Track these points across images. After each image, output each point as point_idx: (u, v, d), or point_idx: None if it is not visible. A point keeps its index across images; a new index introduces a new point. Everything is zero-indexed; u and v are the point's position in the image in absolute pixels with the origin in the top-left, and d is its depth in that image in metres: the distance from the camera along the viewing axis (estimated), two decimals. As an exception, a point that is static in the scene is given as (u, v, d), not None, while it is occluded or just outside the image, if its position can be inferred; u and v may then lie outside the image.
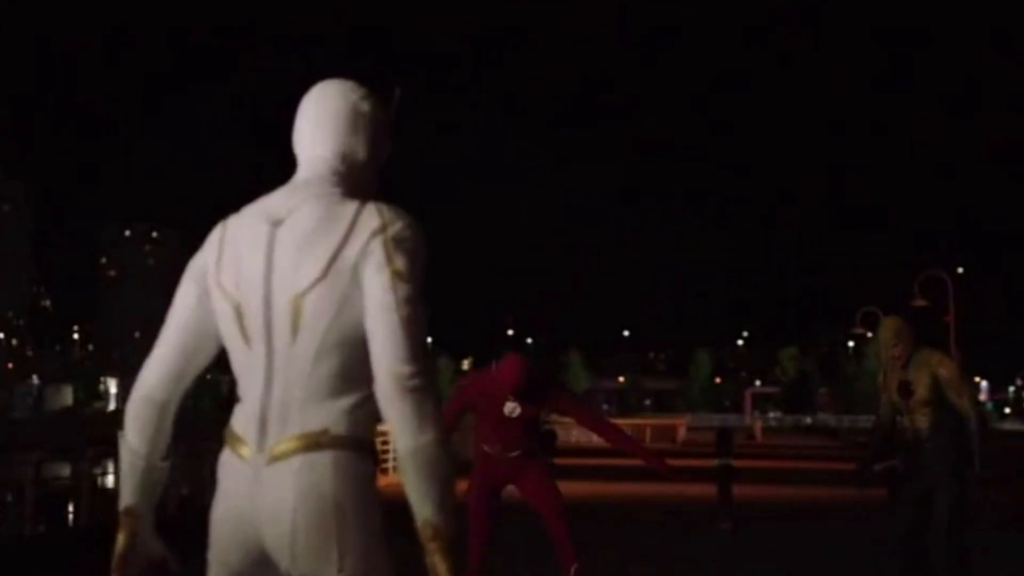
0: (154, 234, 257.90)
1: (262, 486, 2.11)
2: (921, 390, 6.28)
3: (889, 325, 6.43)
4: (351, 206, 2.20)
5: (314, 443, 2.10)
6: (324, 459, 2.09)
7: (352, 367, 2.14)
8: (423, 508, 2.04)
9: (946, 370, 6.25)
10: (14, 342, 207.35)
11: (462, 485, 5.96)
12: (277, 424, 2.13)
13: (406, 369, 2.06)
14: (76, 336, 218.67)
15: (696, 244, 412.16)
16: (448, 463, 2.05)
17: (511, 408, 6.06)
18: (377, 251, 2.13)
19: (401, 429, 2.05)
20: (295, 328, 2.14)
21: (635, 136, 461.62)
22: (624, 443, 6.18)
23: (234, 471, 2.16)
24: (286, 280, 2.15)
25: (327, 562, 2.07)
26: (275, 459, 2.11)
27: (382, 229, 2.16)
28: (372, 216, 2.18)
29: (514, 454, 6.19)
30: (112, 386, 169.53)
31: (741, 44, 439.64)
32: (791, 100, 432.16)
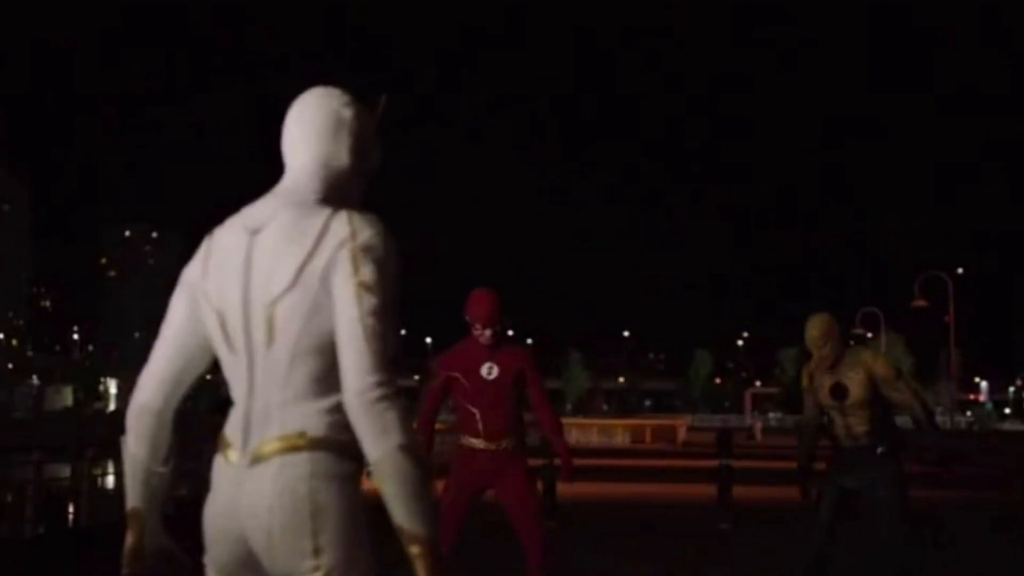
0: (154, 234, 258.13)
1: (244, 487, 2.17)
2: (856, 390, 6.02)
3: (817, 324, 6.10)
4: (323, 214, 2.22)
5: (292, 445, 2.15)
6: (301, 460, 2.14)
7: (329, 371, 2.17)
8: (396, 515, 2.08)
9: (881, 367, 6.01)
10: (14, 342, 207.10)
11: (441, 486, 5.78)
12: (259, 427, 2.19)
13: (368, 381, 2.08)
14: (76, 336, 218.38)
15: (696, 244, 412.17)
16: (417, 468, 2.07)
17: (488, 368, 5.63)
18: (344, 261, 2.15)
19: (366, 440, 2.08)
20: (270, 335, 2.19)
21: (635, 136, 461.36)
22: (554, 434, 5.84)
23: (222, 473, 2.23)
24: (261, 288, 2.20)
25: (302, 559, 2.11)
26: (256, 461, 2.16)
27: (351, 238, 2.17)
28: (341, 225, 2.19)
29: (499, 446, 5.64)
30: (112, 386, 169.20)
31: (741, 44, 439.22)
32: (791, 100, 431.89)
